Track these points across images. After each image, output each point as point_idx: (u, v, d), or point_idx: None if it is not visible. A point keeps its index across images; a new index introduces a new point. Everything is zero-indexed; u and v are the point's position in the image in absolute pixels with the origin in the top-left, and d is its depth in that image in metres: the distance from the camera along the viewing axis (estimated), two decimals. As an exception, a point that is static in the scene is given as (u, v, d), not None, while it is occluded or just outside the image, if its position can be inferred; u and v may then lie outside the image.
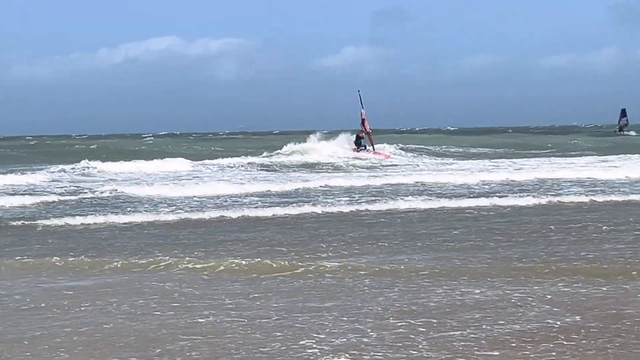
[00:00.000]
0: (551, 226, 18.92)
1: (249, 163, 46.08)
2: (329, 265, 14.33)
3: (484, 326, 10.24)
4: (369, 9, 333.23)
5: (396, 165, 46.73)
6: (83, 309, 11.74)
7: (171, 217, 21.79)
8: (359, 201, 25.01)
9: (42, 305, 12.05)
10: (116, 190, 28.38)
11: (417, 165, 45.88)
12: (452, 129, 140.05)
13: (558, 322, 10.33)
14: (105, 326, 10.73)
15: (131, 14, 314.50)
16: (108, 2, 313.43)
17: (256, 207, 23.61)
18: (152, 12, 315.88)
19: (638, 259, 14.43)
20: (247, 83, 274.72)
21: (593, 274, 13.06)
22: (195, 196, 27.46)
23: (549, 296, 11.78)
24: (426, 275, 13.37)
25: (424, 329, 10.19)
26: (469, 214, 21.67)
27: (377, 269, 13.98)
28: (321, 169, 43.87)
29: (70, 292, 12.88)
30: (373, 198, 25.96)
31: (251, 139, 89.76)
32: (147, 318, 11.17)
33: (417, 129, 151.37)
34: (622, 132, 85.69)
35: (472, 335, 9.87)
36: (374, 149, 51.94)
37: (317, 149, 52.39)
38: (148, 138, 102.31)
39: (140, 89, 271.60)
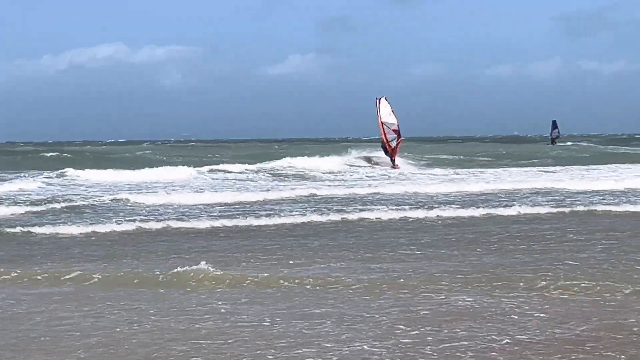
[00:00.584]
0: (519, 235, 19.09)
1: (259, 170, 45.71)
2: (310, 273, 14.40)
3: (490, 336, 10.15)
4: (315, 18, 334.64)
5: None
6: (80, 314, 11.70)
7: (165, 225, 21.57)
8: (331, 210, 25.15)
9: (38, 310, 12.01)
10: (127, 199, 28.06)
11: (386, 176, 45.27)
12: (414, 137, 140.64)
13: (563, 332, 10.27)
14: (116, 330, 10.75)
15: (76, 20, 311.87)
16: (52, 8, 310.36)
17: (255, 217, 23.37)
18: (97, 19, 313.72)
19: (617, 269, 14.44)
20: (192, 91, 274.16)
21: (579, 283, 13.00)
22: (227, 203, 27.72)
23: (544, 305, 11.72)
24: (409, 283, 13.33)
25: (429, 338, 10.09)
26: (435, 224, 21.78)
27: (358, 277, 13.97)
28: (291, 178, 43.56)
29: (60, 297, 12.87)
30: (341, 207, 26.16)
31: (204, 147, 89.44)
32: (147, 322, 11.11)
33: (364, 138, 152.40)
34: (554, 144, 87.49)
35: (482, 346, 9.78)
36: (394, 160, 50.75)
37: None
38: (103, 146, 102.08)
39: (85, 96, 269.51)
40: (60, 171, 39.56)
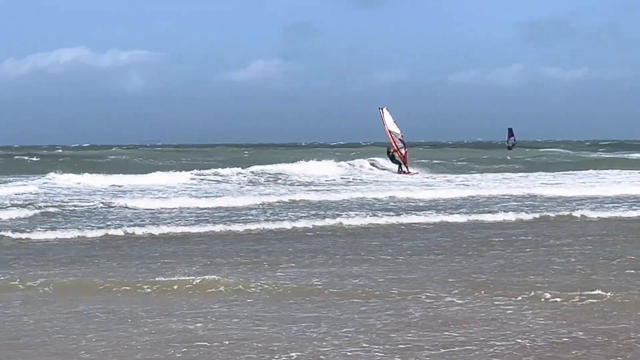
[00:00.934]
0: (497, 240, 19.26)
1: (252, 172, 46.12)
2: (294, 277, 14.47)
3: (490, 341, 10.05)
4: (279, 24, 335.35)
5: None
6: (68, 317, 11.70)
7: (155, 230, 21.56)
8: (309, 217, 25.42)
9: (27, 313, 11.97)
10: (122, 204, 28.23)
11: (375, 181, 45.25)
12: (364, 143, 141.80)
13: (562, 337, 10.19)
14: (111, 332, 10.73)
15: (39, 24, 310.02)
16: (14, 12, 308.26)
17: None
18: (60, 23, 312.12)
19: (599, 274, 14.46)
20: (155, 95, 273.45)
21: (566, 287, 13.02)
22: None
23: (537, 309, 11.65)
24: (395, 287, 13.31)
25: (429, 345, 9.95)
26: (411, 229, 21.89)
27: (343, 281, 14.00)
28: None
29: (45, 299, 12.87)
30: (319, 212, 26.38)
31: (175, 152, 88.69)
32: (143, 325, 11.08)
33: (331, 143, 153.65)
34: (510, 150, 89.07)
35: (483, 351, 9.67)
36: (407, 167, 50.66)
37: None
38: (69, 150, 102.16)
39: (48, 100, 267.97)
40: (48, 175, 39.62)
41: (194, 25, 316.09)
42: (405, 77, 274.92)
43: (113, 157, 70.61)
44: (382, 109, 51.19)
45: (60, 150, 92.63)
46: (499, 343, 10.00)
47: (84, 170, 43.89)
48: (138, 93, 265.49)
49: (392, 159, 51.05)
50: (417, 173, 50.67)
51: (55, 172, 40.08)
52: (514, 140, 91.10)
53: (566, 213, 24.92)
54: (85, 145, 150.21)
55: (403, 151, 50.58)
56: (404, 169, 50.16)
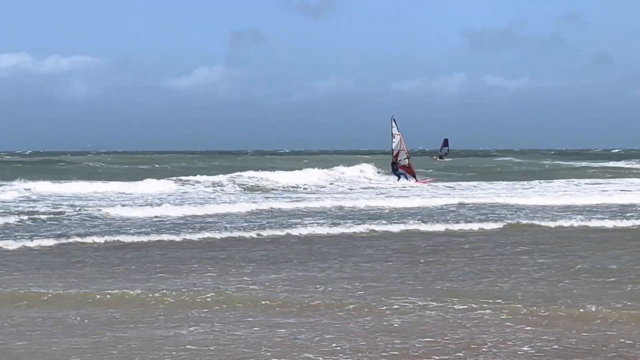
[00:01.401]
0: (450, 250, 19.04)
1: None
2: (262, 282, 14.48)
3: (482, 348, 9.95)
4: (224, 30, 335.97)
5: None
6: (48, 319, 11.61)
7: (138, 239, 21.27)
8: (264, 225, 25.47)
9: (16, 321, 11.81)
10: (96, 210, 27.97)
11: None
12: (324, 151, 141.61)
13: (551, 344, 10.13)
14: (99, 336, 10.67)
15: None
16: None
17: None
18: (0, 28, 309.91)
19: (564, 282, 14.49)
20: (97, 102, 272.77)
21: (535, 296, 13.08)
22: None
23: (516, 316, 11.59)
24: (367, 293, 13.33)
25: (421, 352, 9.83)
26: (368, 237, 21.95)
27: (314, 287, 13.97)
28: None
29: (25, 302, 12.79)
30: (278, 221, 26.40)
31: (128, 158, 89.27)
32: (128, 331, 10.98)
33: (280, 151, 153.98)
34: (442, 160, 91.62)
35: (479, 358, 9.55)
36: (415, 177, 50.36)
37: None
38: (14, 157, 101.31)
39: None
40: (15, 182, 39.57)
41: (137, 31, 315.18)
42: (349, 85, 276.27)
43: (64, 163, 70.18)
44: (393, 118, 50.98)
45: (8, 157, 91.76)
46: (490, 350, 9.86)
47: (38, 177, 43.86)
48: (80, 99, 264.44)
49: (395, 171, 50.69)
50: (431, 180, 50.84)
51: (22, 180, 40.03)
52: (447, 150, 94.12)
53: (524, 222, 25.01)
54: (29, 152, 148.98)
55: (407, 161, 50.59)
56: (410, 179, 49.71)
